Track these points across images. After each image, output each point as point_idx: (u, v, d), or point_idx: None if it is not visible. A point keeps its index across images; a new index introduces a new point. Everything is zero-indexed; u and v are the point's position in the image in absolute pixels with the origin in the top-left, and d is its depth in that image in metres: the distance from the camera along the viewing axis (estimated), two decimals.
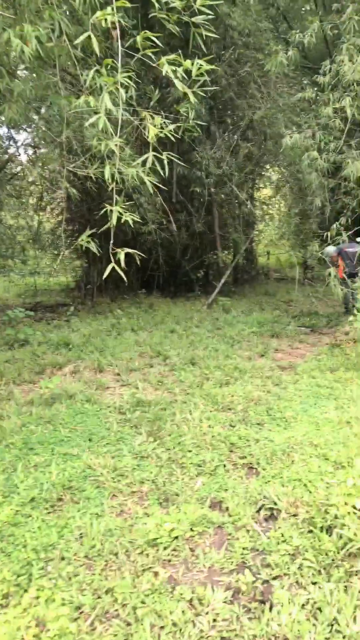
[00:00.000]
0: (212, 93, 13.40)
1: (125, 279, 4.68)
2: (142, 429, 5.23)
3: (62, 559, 3.39)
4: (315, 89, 8.89)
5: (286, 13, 17.34)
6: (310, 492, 4.17)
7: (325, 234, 8.18)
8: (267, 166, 15.14)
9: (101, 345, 8.40)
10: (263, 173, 15.59)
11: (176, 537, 3.59)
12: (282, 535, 3.64)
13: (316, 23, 8.22)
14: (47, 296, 15.50)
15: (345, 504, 3.66)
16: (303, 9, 18.05)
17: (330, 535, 3.55)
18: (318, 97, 8.62)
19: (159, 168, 4.60)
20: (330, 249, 15.08)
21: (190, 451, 4.82)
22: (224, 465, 4.65)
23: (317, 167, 8.36)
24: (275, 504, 4.02)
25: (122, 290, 14.37)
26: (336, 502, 3.69)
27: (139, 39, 3.81)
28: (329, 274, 8.07)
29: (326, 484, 4.18)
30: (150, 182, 5.54)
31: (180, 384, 6.76)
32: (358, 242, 10.34)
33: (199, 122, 7.78)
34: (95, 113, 4.09)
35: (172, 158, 5.11)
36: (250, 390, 6.46)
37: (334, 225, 8.02)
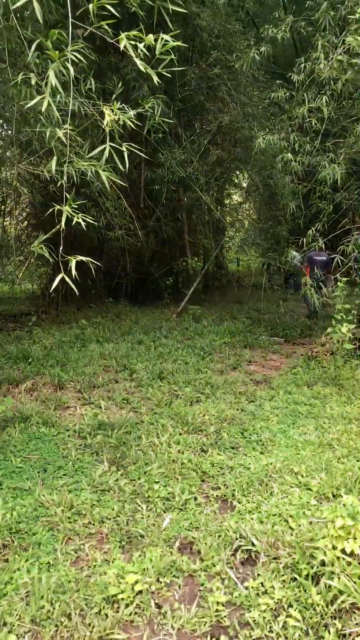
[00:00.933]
0: (180, 96, 13.01)
1: (75, 289, 4.16)
2: (104, 456, 4.69)
3: (4, 624, 2.85)
4: (289, 88, 8.46)
5: (255, 17, 17.06)
6: (292, 529, 3.71)
7: (301, 240, 7.78)
8: (237, 172, 14.74)
9: (63, 359, 7.83)
10: (233, 179, 15.18)
11: (140, 592, 3.09)
12: (262, 585, 3.16)
13: (289, 18, 7.85)
14: (10, 305, 14.82)
15: (333, 547, 3.20)
16: (272, 14, 17.80)
17: (316, 585, 3.09)
18: (292, 97, 8.21)
19: (118, 163, 4.10)
20: (295, 253, 15.23)
21: (157, 482, 4.31)
22: (195, 499, 4.16)
23: (292, 170, 7.97)
24: (253, 544, 3.55)
25: (89, 299, 13.80)
26: (322, 545, 3.23)
27: (91, 7, 3.30)
28: (304, 282, 7.69)
29: (309, 521, 3.73)
30: (111, 180, 5.08)
31: (147, 401, 6.25)
32: (326, 252, 11.40)
33: (165, 120, 7.40)
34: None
35: (134, 150, 4.64)
36: (223, 409, 5.99)
37: (310, 231, 7.63)
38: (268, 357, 9.12)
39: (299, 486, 4.30)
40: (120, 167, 4.22)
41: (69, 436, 5.15)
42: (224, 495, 4.21)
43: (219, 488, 4.31)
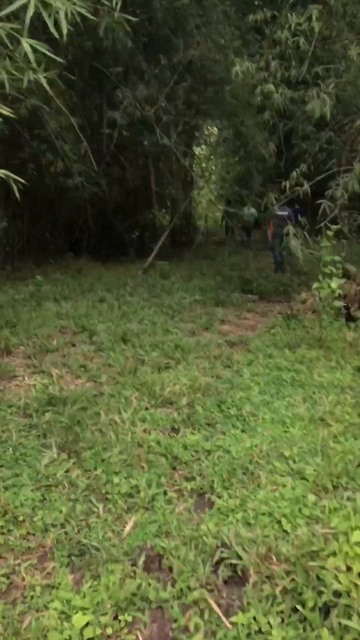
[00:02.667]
0: (145, 30, 11.79)
1: None
2: (53, 439, 3.82)
3: None
4: (272, 8, 7.34)
5: None
6: (286, 534, 2.94)
7: (283, 184, 6.86)
8: (208, 118, 13.60)
9: (13, 319, 6.88)
10: (204, 125, 14.05)
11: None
12: (255, 621, 2.38)
13: None
14: None
15: (348, 569, 2.43)
16: None
17: (326, 619, 2.33)
18: (275, 19, 7.14)
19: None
20: (251, 211, 14.78)
21: (117, 473, 3.47)
22: (165, 493, 3.35)
23: (272, 104, 6.99)
24: (238, 556, 2.77)
25: (48, 254, 12.74)
26: (332, 566, 2.46)
27: None
28: (284, 234, 6.85)
29: (309, 524, 2.96)
30: (68, 120, 4.12)
31: (108, 369, 5.38)
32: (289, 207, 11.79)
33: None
34: None
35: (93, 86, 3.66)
36: (196, 377, 5.15)
37: (293, 173, 6.72)
38: (242, 316, 8.32)
39: (292, 474, 3.52)
40: (55, 34, 3.23)
41: (11, 414, 4.26)
42: (201, 488, 3.40)
43: (194, 478, 3.50)
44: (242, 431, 4.13)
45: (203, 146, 15.00)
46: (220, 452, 3.76)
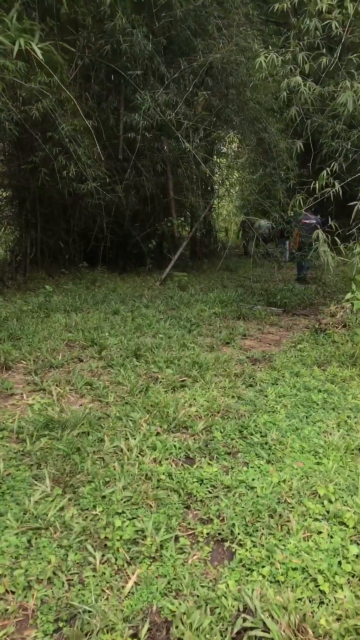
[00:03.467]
0: (164, 33, 11.37)
1: None
2: (47, 469, 3.29)
3: None
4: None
5: None
6: (324, 596, 2.38)
7: (312, 184, 6.30)
8: (229, 120, 13.10)
9: (18, 331, 6.38)
10: (225, 131, 13.55)
11: None
12: None
13: None
14: None
15: None
16: None
17: None
18: (301, 6, 6.60)
19: None
20: (263, 223, 14.44)
21: (120, 513, 2.93)
22: (176, 539, 2.80)
23: (299, 99, 6.45)
24: (266, 627, 2.22)
25: (62, 264, 12.29)
26: None
27: None
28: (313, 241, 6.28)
29: (351, 583, 2.40)
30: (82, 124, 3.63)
31: (116, 387, 4.85)
32: (315, 215, 11.85)
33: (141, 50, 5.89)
34: None
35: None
36: (215, 397, 4.60)
37: (322, 174, 6.16)
38: (265, 330, 7.75)
39: (327, 518, 2.95)
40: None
41: (2, 438, 3.73)
42: (219, 534, 2.85)
43: (211, 521, 2.94)
44: (268, 462, 3.56)
45: (224, 152, 14.48)
46: (242, 489, 3.20)
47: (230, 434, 3.96)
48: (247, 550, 2.71)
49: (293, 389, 4.93)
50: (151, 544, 2.71)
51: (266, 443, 3.80)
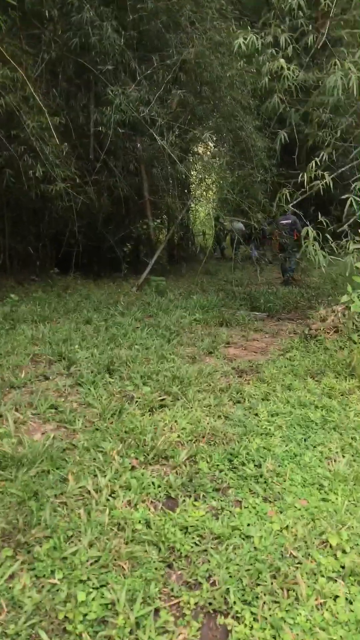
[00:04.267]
0: (135, 27, 10.80)
1: None
2: None
3: None
4: None
5: None
6: None
7: (299, 176, 5.74)
8: (205, 118, 12.53)
9: None
10: (201, 130, 12.98)
11: None
12: None
13: None
14: None
15: None
16: None
17: None
18: None
19: None
20: (238, 225, 14.40)
21: (85, 581, 2.32)
22: (156, 612, 2.21)
23: (282, 85, 5.90)
24: None
25: (32, 270, 11.62)
26: None
27: None
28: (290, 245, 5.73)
29: None
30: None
31: (86, 410, 4.22)
32: (293, 214, 11.58)
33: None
34: None
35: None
36: (199, 418, 4.01)
37: (310, 165, 5.61)
38: (250, 337, 7.19)
39: (344, 576, 2.38)
40: None
41: None
42: (209, 604, 2.26)
43: (200, 585, 2.36)
44: (265, 500, 2.98)
45: (200, 152, 13.90)
46: (236, 539, 2.62)
47: (218, 464, 3.37)
48: (245, 626, 2.13)
49: (287, 405, 4.36)
50: (124, 623, 2.11)
51: (261, 475, 3.22)
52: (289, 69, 5.70)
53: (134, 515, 2.77)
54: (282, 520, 2.74)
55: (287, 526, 2.69)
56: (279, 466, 3.33)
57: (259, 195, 12.32)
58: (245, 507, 2.91)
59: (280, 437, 3.76)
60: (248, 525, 2.72)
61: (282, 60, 5.76)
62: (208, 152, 13.19)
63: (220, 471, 3.30)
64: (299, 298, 9.75)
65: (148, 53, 11.04)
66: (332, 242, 5.46)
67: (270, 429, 3.88)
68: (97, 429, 3.81)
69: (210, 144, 12.63)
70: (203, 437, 3.74)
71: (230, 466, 3.37)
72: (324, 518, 2.76)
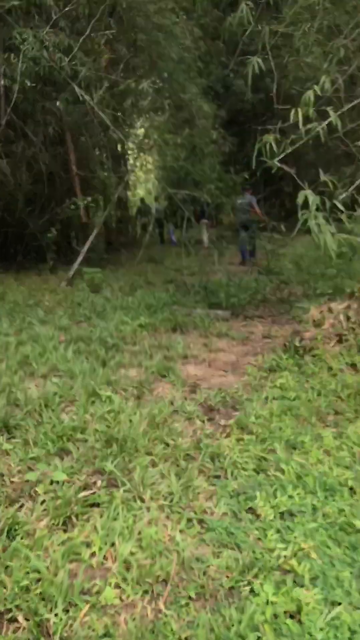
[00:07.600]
0: None
1: None
2: None
3: None
4: None
5: None
6: None
7: (292, 111, 3.90)
8: (141, 79, 10.54)
9: None
10: (135, 87, 10.96)
11: None
12: None
13: None
14: None
15: None
16: None
17: None
18: None
19: None
20: (156, 206, 14.52)
21: None
22: None
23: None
24: None
25: None
26: None
27: None
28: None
29: None
30: None
31: None
32: (250, 194, 11.66)
33: None
34: None
35: None
36: (153, 537, 2.17)
37: (306, 95, 3.76)
38: (214, 346, 5.40)
39: None
40: None
41: None
42: None
43: None
44: None
45: (135, 117, 11.80)
46: None
47: None
48: None
49: (301, 489, 2.57)
50: None
51: None
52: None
53: None
54: None
55: None
56: None
57: (213, 160, 10.71)
58: None
59: (313, 580, 1.96)
60: None
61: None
62: (147, 109, 11.04)
63: None
64: (266, 289, 8.01)
65: None
66: (341, 214, 3.68)
67: (284, 555, 2.07)
68: None
69: (148, 99, 10.58)
70: (161, 597, 1.90)
71: None
72: None
